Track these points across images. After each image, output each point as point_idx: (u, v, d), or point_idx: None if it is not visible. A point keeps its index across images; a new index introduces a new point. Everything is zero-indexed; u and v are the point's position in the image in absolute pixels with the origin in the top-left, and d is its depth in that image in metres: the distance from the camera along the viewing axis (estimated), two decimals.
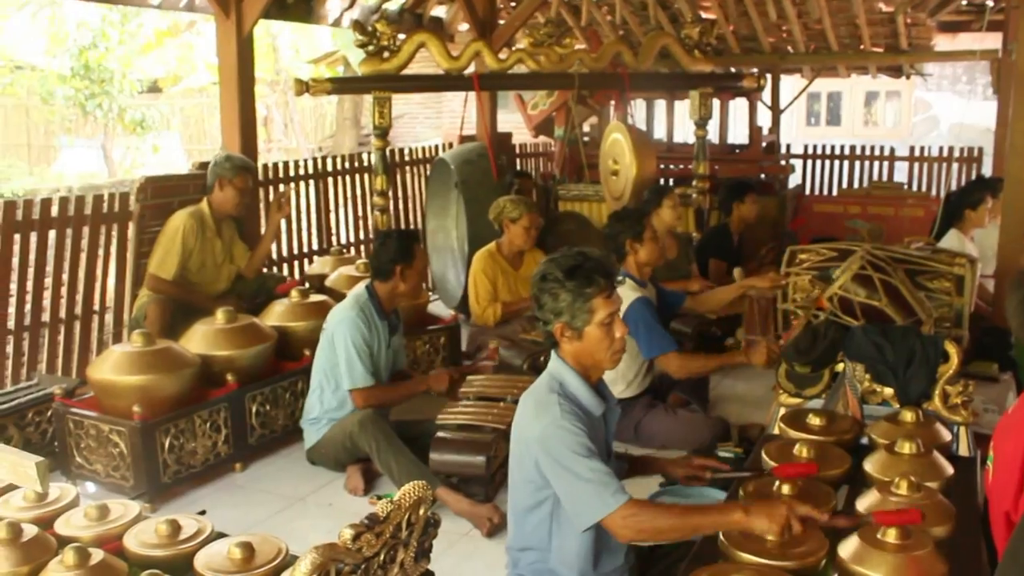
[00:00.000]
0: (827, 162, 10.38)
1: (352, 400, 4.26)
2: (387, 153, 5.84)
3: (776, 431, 3.51)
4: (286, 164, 6.90)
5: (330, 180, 7.43)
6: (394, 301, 4.45)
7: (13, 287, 5.02)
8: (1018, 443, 2.24)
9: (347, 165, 7.64)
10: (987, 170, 9.43)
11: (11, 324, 5.03)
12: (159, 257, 5.08)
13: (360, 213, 7.78)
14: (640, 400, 4.62)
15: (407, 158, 8.30)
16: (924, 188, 9.79)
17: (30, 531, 2.76)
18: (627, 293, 4.47)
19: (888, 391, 3.58)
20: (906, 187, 9.44)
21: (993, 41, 9.07)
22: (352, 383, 4.23)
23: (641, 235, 4.58)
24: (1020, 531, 1.69)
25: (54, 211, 5.10)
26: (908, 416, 3.25)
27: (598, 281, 2.65)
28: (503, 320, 5.67)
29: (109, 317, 5.58)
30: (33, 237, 5.06)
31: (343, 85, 6.67)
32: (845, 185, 10.13)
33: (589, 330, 2.67)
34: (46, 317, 5.21)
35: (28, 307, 5.10)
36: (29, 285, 5.09)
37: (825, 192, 10.21)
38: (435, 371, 4.53)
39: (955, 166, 9.80)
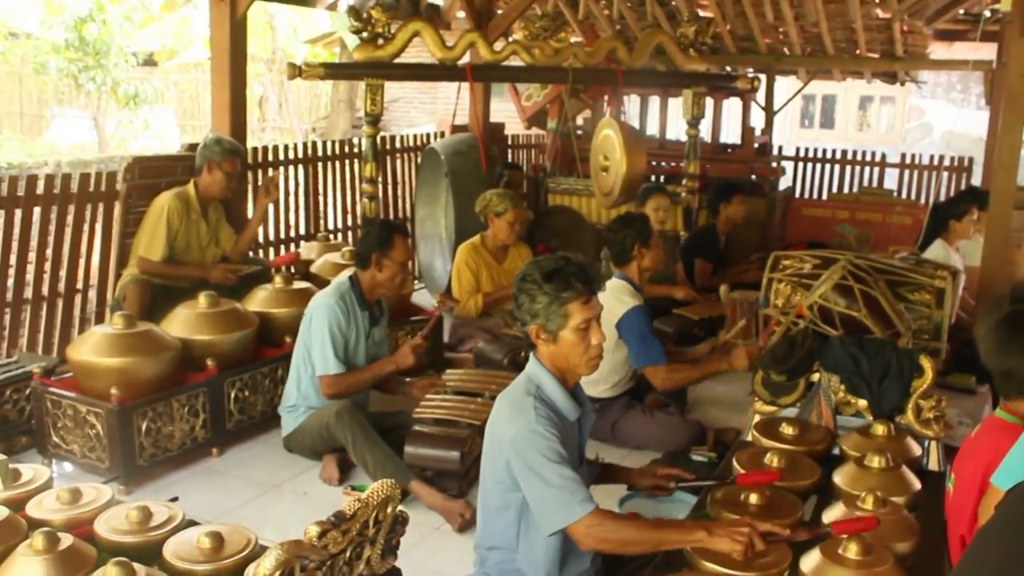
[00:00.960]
0: (818, 165, 10.40)
1: (319, 386, 4.27)
2: (378, 140, 5.83)
3: (750, 438, 3.53)
4: (275, 148, 6.88)
5: (320, 165, 7.40)
6: (375, 291, 4.44)
7: None
8: (977, 467, 2.26)
9: (338, 150, 7.62)
10: (977, 180, 9.46)
11: None
12: (146, 239, 5.07)
13: (349, 199, 7.76)
14: (619, 400, 4.64)
15: (398, 145, 8.28)
16: (913, 195, 9.83)
17: (0, 512, 2.76)
18: (624, 299, 4.49)
19: (862, 403, 3.61)
20: (895, 194, 9.48)
21: (988, 51, 9.11)
22: (322, 369, 4.24)
23: (648, 240, 4.60)
24: (965, 557, 1.71)
25: (39, 188, 5.08)
26: (880, 429, 3.28)
27: (576, 286, 2.67)
28: (485, 311, 5.69)
29: (93, 295, 5.56)
30: (18, 214, 5.04)
31: (336, 71, 6.66)
32: (835, 189, 10.16)
33: (564, 334, 2.68)
34: (28, 294, 5.20)
35: (10, 283, 5.09)
36: (12, 260, 5.07)
37: (815, 195, 10.24)
38: (397, 351, 4.46)
39: (945, 175, 9.84)
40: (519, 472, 2.58)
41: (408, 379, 4.60)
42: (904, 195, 9.76)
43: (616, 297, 4.45)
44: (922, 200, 9.64)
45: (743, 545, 2.36)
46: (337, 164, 7.59)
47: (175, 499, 3.57)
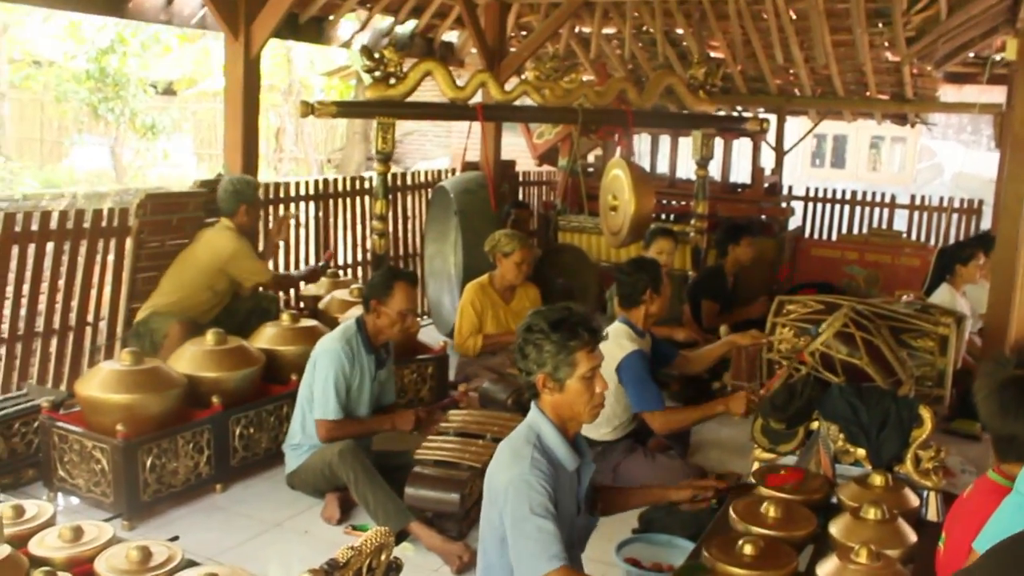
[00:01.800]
0: (828, 206, 10.42)
1: (316, 429, 4.31)
2: (388, 177, 5.90)
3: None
4: (287, 185, 6.95)
5: (332, 201, 7.47)
6: (379, 336, 4.47)
7: (9, 294, 5.08)
8: (966, 529, 2.26)
9: (349, 187, 7.69)
10: (987, 222, 9.47)
11: (5, 332, 5.08)
12: (259, 268, 5.49)
13: (360, 235, 7.82)
14: (621, 443, 4.65)
15: (409, 182, 8.36)
16: (923, 237, 9.84)
17: (2, 550, 2.79)
18: (624, 344, 4.52)
19: (861, 452, 3.63)
20: (905, 235, 9.49)
21: (998, 94, 9.14)
22: (321, 414, 4.28)
23: (659, 288, 4.64)
24: None
25: (53, 223, 5.16)
26: (877, 479, 3.28)
27: (582, 335, 2.72)
28: (483, 352, 5.72)
29: (103, 326, 5.62)
30: (31, 248, 5.12)
31: (348, 109, 6.76)
32: (845, 230, 10.17)
33: (571, 383, 2.73)
34: (40, 326, 5.26)
35: (22, 315, 5.15)
36: (25, 292, 5.14)
37: (824, 236, 10.25)
38: (401, 411, 4.55)
39: (955, 217, 9.84)
40: (506, 519, 2.62)
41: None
42: (914, 237, 9.77)
43: (616, 341, 4.48)
44: (931, 242, 9.64)
45: None
46: (348, 200, 7.65)
47: (175, 538, 3.60)
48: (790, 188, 10.27)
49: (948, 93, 10.22)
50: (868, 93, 9.33)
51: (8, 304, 5.10)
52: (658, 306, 4.67)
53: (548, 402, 2.78)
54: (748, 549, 2.77)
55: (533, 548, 2.55)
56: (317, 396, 4.28)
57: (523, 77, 6.37)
